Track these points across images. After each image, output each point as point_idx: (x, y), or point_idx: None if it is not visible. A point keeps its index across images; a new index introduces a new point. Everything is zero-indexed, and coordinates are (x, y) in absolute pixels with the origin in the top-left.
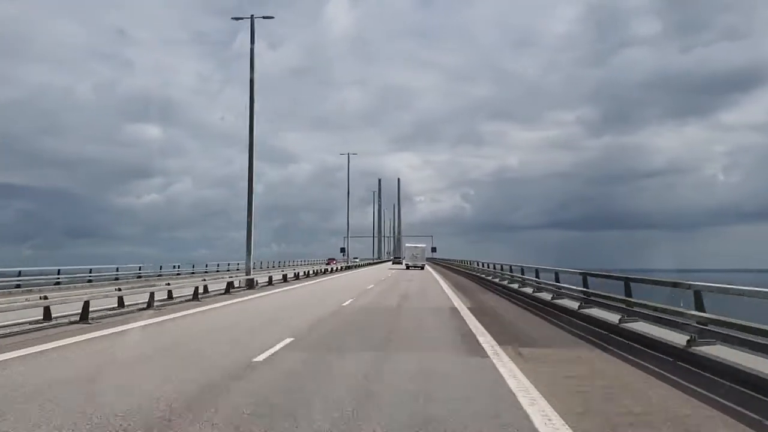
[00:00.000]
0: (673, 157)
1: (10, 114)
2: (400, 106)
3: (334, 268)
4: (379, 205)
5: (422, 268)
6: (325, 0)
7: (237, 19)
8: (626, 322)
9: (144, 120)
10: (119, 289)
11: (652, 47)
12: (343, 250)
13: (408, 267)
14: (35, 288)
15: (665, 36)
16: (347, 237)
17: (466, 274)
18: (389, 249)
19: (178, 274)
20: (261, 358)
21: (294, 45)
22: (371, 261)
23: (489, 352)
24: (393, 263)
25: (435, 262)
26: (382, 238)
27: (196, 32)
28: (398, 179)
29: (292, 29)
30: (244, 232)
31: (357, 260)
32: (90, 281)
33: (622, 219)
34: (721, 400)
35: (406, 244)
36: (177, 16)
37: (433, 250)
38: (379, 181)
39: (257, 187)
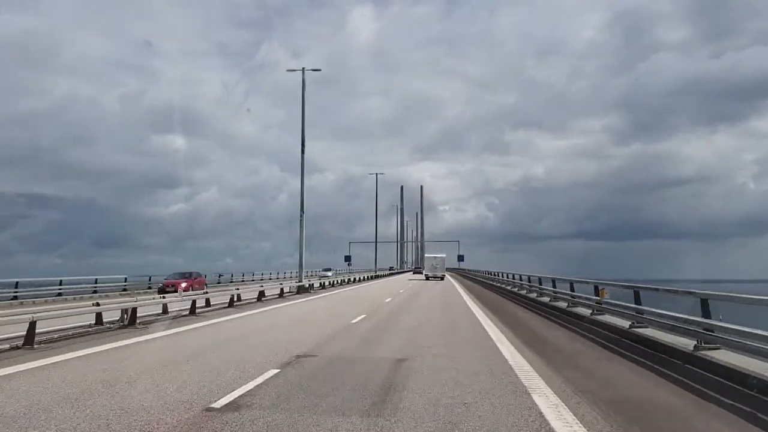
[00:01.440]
0: (701, 165)
1: (39, 125)
2: (424, 115)
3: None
4: (401, 214)
5: (442, 278)
6: (348, 10)
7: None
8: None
9: (170, 131)
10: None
11: (681, 53)
12: (348, 258)
13: (428, 278)
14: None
15: (694, 41)
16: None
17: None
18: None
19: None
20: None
21: (318, 55)
22: (391, 271)
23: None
24: (414, 273)
25: (463, 273)
26: (404, 248)
27: (219, 43)
28: (421, 186)
29: (316, 39)
30: (268, 243)
31: (329, 273)
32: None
33: (650, 229)
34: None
35: (426, 255)
36: (200, 27)
37: (460, 258)
38: (402, 188)
39: (282, 197)
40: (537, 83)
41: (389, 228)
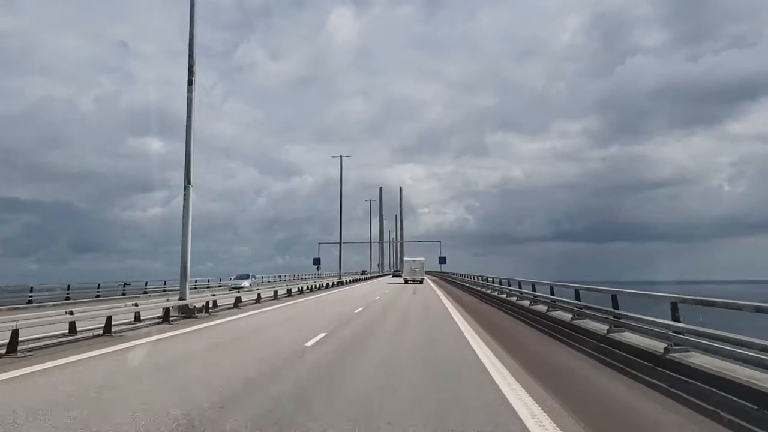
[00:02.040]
0: (679, 167)
1: (14, 127)
2: (404, 117)
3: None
4: (381, 216)
5: (421, 282)
6: (328, 10)
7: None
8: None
9: (147, 133)
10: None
11: (659, 56)
12: (317, 261)
13: (407, 281)
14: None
15: (672, 45)
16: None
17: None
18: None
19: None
20: None
21: (297, 55)
22: (363, 275)
23: None
24: (393, 276)
25: (445, 278)
26: (384, 251)
27: (198, 44)
28: (400, 188)
29: (295, 39)
30: (248, 247)
31: (245, 283)
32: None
33: (628, 230)
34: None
35: (405, 258)
36: (178, 28)
37: (442, 260)
38: (380, 189)
39: (261, 201)
40: (517, 85)
41: (368, 231)
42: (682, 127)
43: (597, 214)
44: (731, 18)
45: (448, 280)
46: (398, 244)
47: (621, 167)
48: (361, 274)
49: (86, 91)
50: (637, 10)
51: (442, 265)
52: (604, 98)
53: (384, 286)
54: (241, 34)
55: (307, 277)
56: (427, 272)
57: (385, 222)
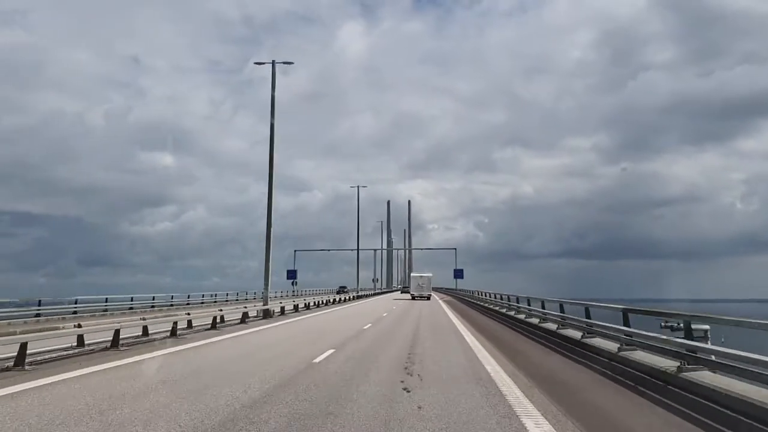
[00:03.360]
0: (690, 184)
1: (25, 142)
2: (413, 133)
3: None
4: (389, 230)
5: (428, 298)
6: (338, 26)
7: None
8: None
9: (157, 148)
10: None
11: (670, 72)
12: (292, 274)
13: (414, 297)
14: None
15: (683, 61)
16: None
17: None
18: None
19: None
20: None
21: (307, 71)
22: (366, 292)
23: None
24: (401, 292)
25: (464, 298)
26: (391, 267)
27: (208, 60)
28: (408, 201)
29: (305, 55)
30: (256, 262)
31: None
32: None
33: (639, 248)
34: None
35: (412, 274)
36: (189, 44)
37: (458, 274)
38: (388, 203)
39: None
40: (526, 101)
41: (377, 246)
42: (694, 143)
43: (607, 231)
44: (743, 34)
45: (470, 303)
46: (407, 259)
47: (631, 184)
48: (338, 293)
49: (97, 105)
50: (647, 27)
51: (458, 279)
52: (615, 114)
53: (378, 309)
54: (250, 49)
55: (302, 294)
56: (438, 290)
57: (393, 238)
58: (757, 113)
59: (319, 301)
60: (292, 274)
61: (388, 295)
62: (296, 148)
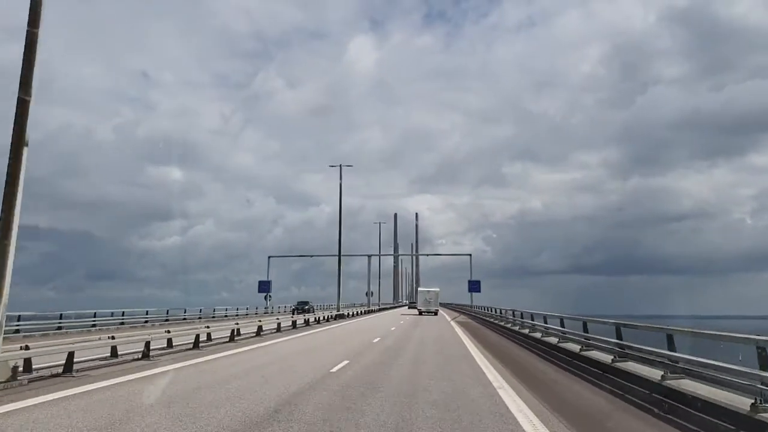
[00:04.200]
0: (700, 200)
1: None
2: (422, 147)
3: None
4: (395, 244)
5: (436, 313)
6: (347, 41)
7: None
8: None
9: (165, 162)
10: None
11: (680, 87)
12: (265, 286)
13: (421, 312)
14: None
15: (694, 76)
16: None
17: None
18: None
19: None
20: None
21: (316, 85)
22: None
23: None
24: (408, 308)
25: (476, 315)
26: (398, 282)
27: (216, 74)
28: (416, 214)
29: (314, 70)
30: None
31: None
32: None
33: (647, 264)
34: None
35: (419, 288)
36: (197, 58)
37: (473, 287)
38: (395, 216)
39: (278, 231)
40: (535, 116)
41: (384, 262)
42: (704, 158)
43: (616, 247)
44: (754, 49)
45: (476, 317)
46: (414, 274)
47: (641, 200)
48: (295, 311)
49: (105, 119)
50: (658, 42)
51: (474, 293)
52: (625, 129)
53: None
54: (260, 63)
55: (270, 313)
56: (446, 306)
57: (400, 251)
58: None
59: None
60: (264, 287)
61: (395, 311)
62: (304, 163)
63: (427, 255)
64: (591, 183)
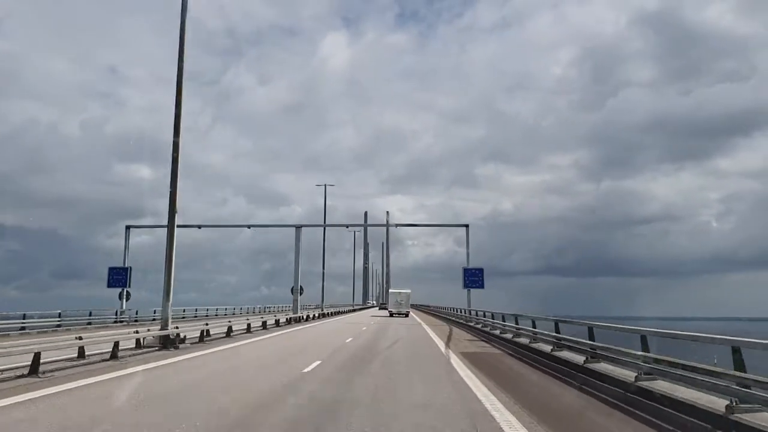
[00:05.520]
0: (667, 203)
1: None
2: (394, 148)
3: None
4: (365, 244)
5: (407, 315)
6: (319, 39)
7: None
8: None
9: (134, 159)
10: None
11: (650, 90)
12: (118, 278)
13: (392, 314)
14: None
15: (664, 79)
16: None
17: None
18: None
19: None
20: None
21: (288, 83)
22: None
23: None
24: (379, 309)
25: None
26: (368, 282)
27: (188, 71)
28: (387, 212)
29: (285, 67)
30: (235, 276)
31: None
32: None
33: (617, 265)
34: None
35: (390, 290)
36: (169, 54)
37: (472, 279)
38: (365, 213)
39: (248, 230)
40: (507, 117)
41: (355, 263)
42: (672, 162)
43: (586, 249)
44: (723, 54)
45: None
46: (384, 276)
47: (611, 202)
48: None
49: (73, 115)
50: (629, 45)
51: (474, 287)
52: (595, 132)
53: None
54: (231, 60)
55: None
56: (418, 308)
57: (371, 253)
58: (734, 132)
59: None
60: (118, 278)
61: (364, 312)
62: (276, 161)
63: (417, 225)
64: (562, 185)
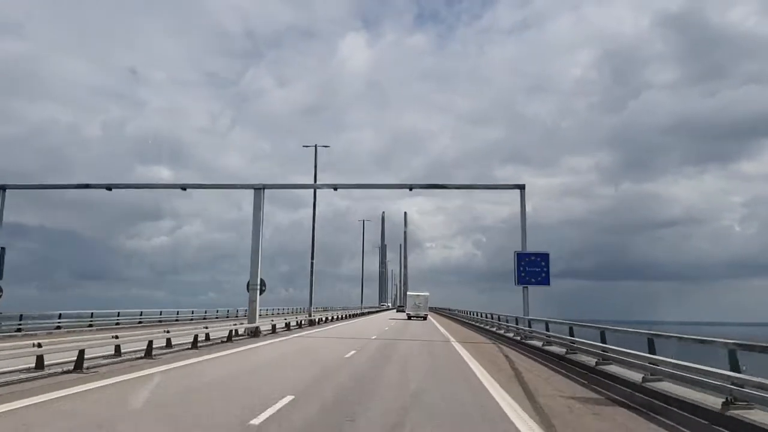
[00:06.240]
0: (690, 206)
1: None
2: (412, 149)
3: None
4: (383, 245)
5: (425, 318)
6: (339, 40)
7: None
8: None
9: (154, 161)
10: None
11: (673, 92)
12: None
13: (410, 317)
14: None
15: (687, 81)
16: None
17: None
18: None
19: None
20: None
21: (306, 84)
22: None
23: None
24: (397, 311)
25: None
26: (384, 284)
27: (206, 72)
28: (405, 213)
29: (305, 69)
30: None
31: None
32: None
33: (638, 269)
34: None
35: (408, 293)
36: (189, 56)
37: (530, 272)
38: (383, 214)
39: (267, 231)
40: (527, 119)
41: (374, 265)
42: (695, 164)
43: (606, 252)
44: (747, 55)
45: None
46: (402, 278)
47: (631, 205)
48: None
49: (94, 116)
50: (651, 47)
51: (536, 282)
52: (616, 134)
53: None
54: (251, 62)
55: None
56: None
57: (389, 254)
58: (760, 134)
59: None
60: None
61: (382, 315)
62: (294, 164)
63: (458, 188)
64: (582, 187)
